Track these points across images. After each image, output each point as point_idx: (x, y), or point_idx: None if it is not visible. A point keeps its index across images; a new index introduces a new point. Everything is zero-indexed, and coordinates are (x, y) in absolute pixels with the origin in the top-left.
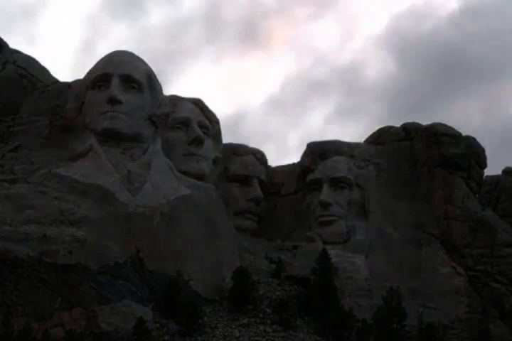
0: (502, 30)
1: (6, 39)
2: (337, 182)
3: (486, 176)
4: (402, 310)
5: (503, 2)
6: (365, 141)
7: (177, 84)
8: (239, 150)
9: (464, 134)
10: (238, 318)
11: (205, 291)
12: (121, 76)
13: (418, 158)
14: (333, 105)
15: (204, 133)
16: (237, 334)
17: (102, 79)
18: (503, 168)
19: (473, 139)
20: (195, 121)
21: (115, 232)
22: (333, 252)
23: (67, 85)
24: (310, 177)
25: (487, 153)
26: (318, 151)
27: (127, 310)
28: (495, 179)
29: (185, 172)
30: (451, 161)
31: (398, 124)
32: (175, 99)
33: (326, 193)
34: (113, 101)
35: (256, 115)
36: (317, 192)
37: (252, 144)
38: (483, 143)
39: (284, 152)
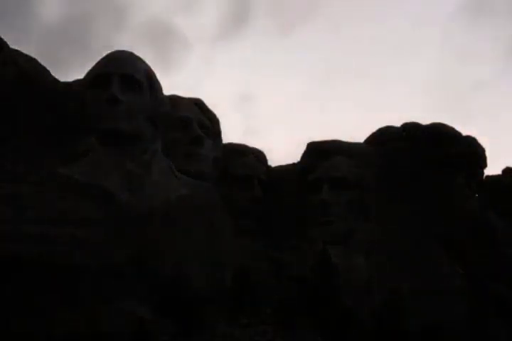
0: None
1: None
2: (337, 182)
3: (486, 176)
4: (402, 310)
5: None
6: (365, 141)
7: None
8: (239, 150)
9: (463, 134)
10: (238, 318)
11: (205, 291)
12: (122, 75)
13: (418, 158)
14: None
15: (204, 133)
16: (237, 334)
17: (102, 79)
18: (503, 167)
19: (473, 139)
20: (195, 120)
21: (115, 232)
22: (333, 252)
23: (67, 85)
24: (310, 177)
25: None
26: (318, 151)
27: (127, 310)
28: (495, 179)
29: (185, 172)
30: (451, 161)
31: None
32: (175, 99)
33: (326, 193)
34: (113, 100)
35: None
36: (317, 192)
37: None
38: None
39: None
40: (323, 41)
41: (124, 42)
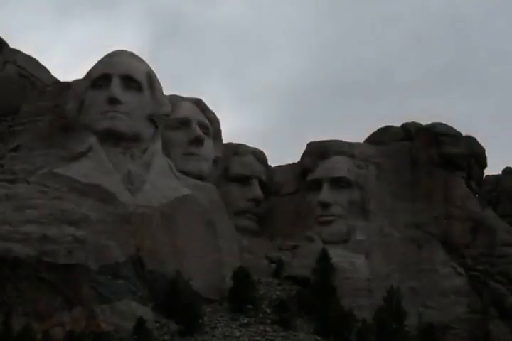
0: None
1: None
2: (337, 182)
3: (486, 176)
4: (402, 310)
5: None
6: (365, 141)
7: None
8: (239, 150)
9: (464, 134)
10: (238, 318)
11: (205, 291)
12: (121, 76)
13: (418, 158)
14: None
15: (204, 133)
16: (237, 334)
17: (102, 79)
18: (503, 168)
19: (473, 139)
20: (195, 121)
21: (115, 232)
22: (333, 252)
23: (67, 85)
24: (310, 177)
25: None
26: (318, 151)
27: (127, 310)
28: (495, 179)
29: (185, 172)
30: (451, 161)
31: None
32: (175, 99)
33: (325, 193)
34: (113, 101)
35: None
36: (317, 192)
37: None
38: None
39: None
40: None
41: None
